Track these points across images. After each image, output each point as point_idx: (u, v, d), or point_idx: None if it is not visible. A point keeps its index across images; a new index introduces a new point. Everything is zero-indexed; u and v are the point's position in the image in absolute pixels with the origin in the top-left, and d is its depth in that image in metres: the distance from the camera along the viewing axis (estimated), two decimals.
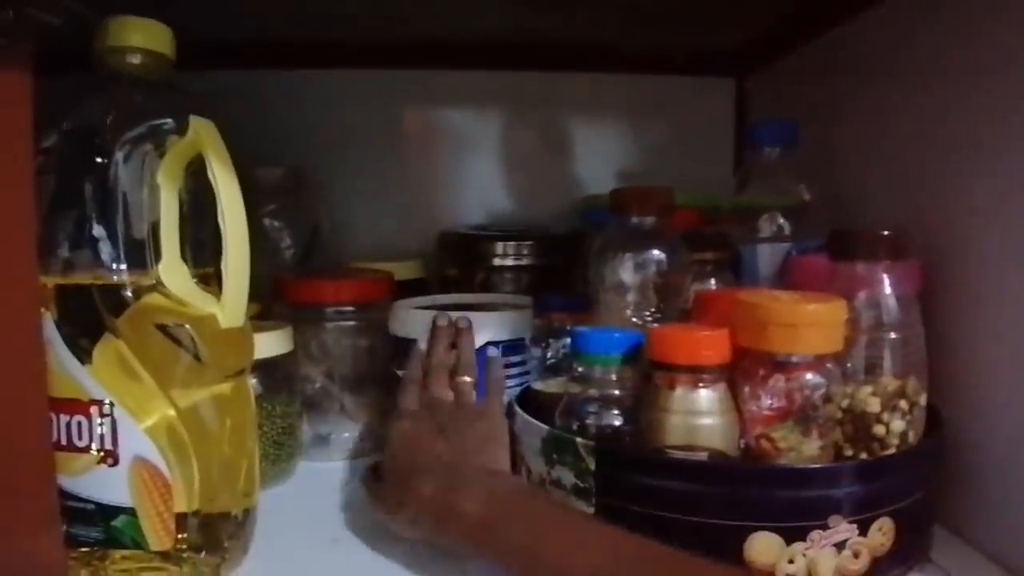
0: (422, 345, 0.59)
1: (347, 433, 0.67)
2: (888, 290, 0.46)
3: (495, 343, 0.61)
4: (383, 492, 0.49)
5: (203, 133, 0.43)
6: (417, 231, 0.89)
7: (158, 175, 0.44)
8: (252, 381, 0.50)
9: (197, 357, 0.43)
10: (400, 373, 0.61)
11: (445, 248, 0.83)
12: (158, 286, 0.43)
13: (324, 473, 0.64)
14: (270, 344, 0.59)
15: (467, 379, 0.56)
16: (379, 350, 0.68)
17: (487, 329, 0.61)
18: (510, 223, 0.91)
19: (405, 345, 0.64)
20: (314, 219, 0.84)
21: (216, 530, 0.45)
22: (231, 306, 0.43)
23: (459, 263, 0.81)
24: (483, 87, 0.92)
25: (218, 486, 0.44)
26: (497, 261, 0.78)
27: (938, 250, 0.52)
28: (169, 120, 0.44)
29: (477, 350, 0.61)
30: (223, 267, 0.43)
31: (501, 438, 0.51)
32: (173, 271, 0.44)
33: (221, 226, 0.42)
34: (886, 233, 0.47)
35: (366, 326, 0.67)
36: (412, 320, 0.64)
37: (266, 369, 0.59)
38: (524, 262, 0.78)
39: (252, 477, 0.47)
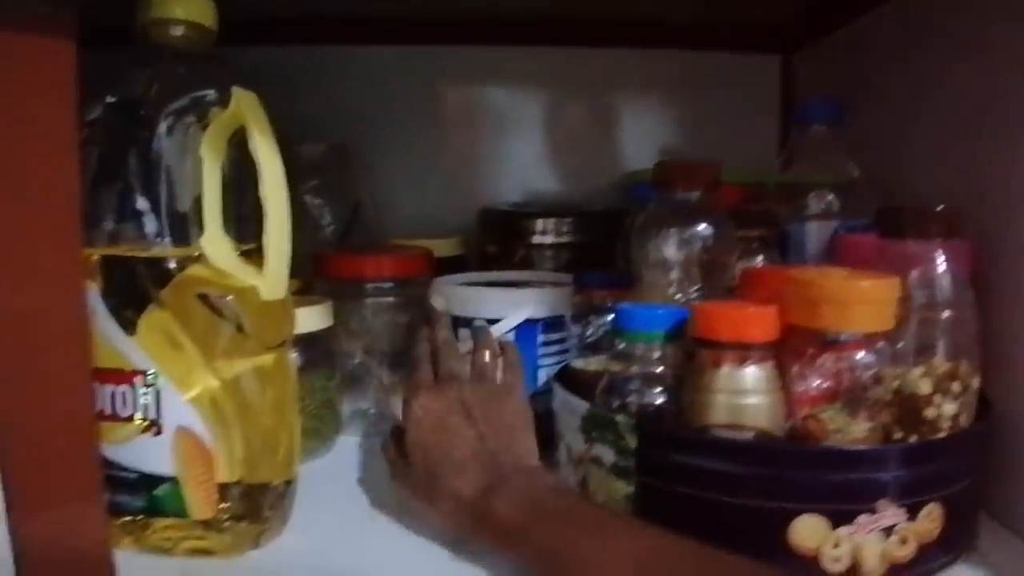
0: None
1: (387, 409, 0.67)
2: (941, 269, 0.45)
3: (534, 320, 0.61)
4: (414, 481, 0.48)
5: (245, 104, 0.43)
6: (457, 208, 0.89)
7: (201, 147, 0.44)
8: (292, 355, 0.51)
9: (239, 329, 0.43)
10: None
11: (485, 225, 0.83)
12: (201, 258, 0.44)
13: (363, 448, 0.64)
14: (310, 319, 0.59)
15: (488, 353, 0.54)
16: (419, 326, 0.67)
17: (527, 306, 0.61)
18: (550, 200, 0.90)
19: None
20: (355, 196, 0.84)
21: (257, 500, 0.45)
22: (272, 278, 0.43)
23: (499, 240, 0.80)
24: (524, 63, 0.91)
25: (260, 457, 0.45)
26: (537, 239, 0.77)
27: (991, 231, 0.50)
28: (212, 91, 0.44)
29: (518, 327, 0.61)
30: (264, 239, 0.43)
31: (528, 424, 0.49)
32: (216, 243, 0.44)
33: (262, 197, 0.42)
34: (939, 210, 0.45)
35: (405, 302, 0.67)
36: (452, 297, 0.64)
37: (306, 344, 0.59)
38: (564, 239, 0.77)
39: (293, 449, 0.47)
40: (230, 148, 0.45)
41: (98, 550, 0.38)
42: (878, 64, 0.68)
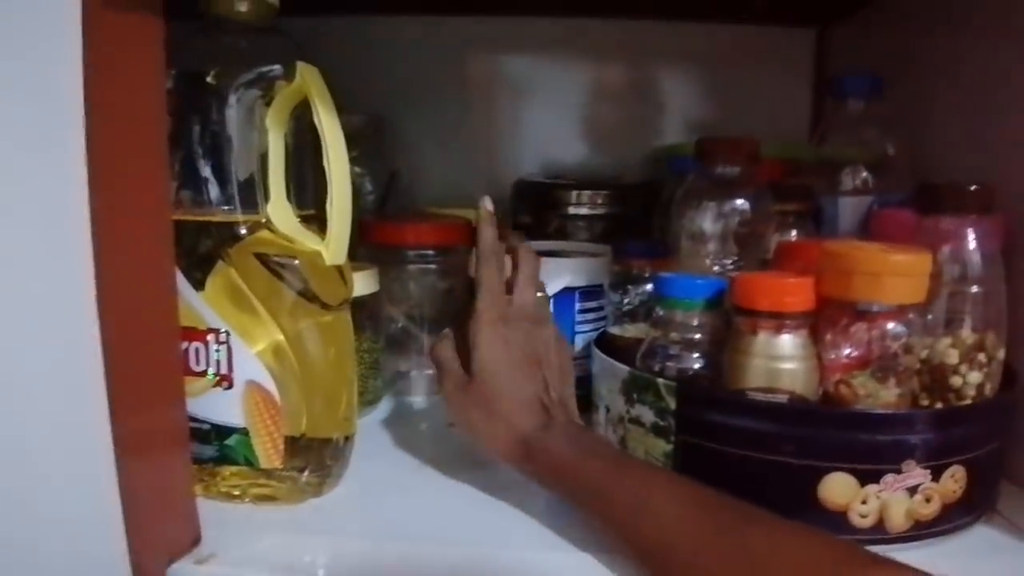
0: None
1: (428, 371, 0.69)
2: (972, 245, 0.46)
3: (572, 288, 0.63)
4: (470, 397, 0.49)
5: (309, 78, 0.45)
6: (492, 179, 0.90)
7: (266, 119, 0.46)
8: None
9: (302, 291, 0.46)
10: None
11: (520, 196, 0.84)
12: (267, 224, 0.46)
13: (406, 407, 0.67)
14: (359, 284, 0.61)
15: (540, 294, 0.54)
16: (458, 293, 0.70)
17: (565, 274, 0.63)
18: (584, 172, 0.92)
19: None
20: (392, 166, 0.86)
21: (320, 452, 0.48)
22: (335, 244, 0.46)
23: (533, 211, 0.82)
24: (560, 35, 0.92)
25: (322, 411, 0.47)
26: (571, 209, 0.79)
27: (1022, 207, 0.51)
28: (277, 66, 0.46)
29: (555, 295, 0.63)
30: (328, 207, 0.45)
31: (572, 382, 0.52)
32: (280, 211, 0.47)
33: (326, 167, 0.44)
34: (973, 188, 0.47)
35: (446, 269, 0.70)
36: None
37: (353, 308, 0.61)
38: (598, 211, 0.79)
39: (352, 405, 0.50)
40: (290, 119, 0.47)
41: (183, 492, 0.42)
42: (914, 38, 0.69)
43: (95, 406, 0.35)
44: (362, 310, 0.63)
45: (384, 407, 0.67)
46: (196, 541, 0.42)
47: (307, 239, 0.47)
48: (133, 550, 0.36)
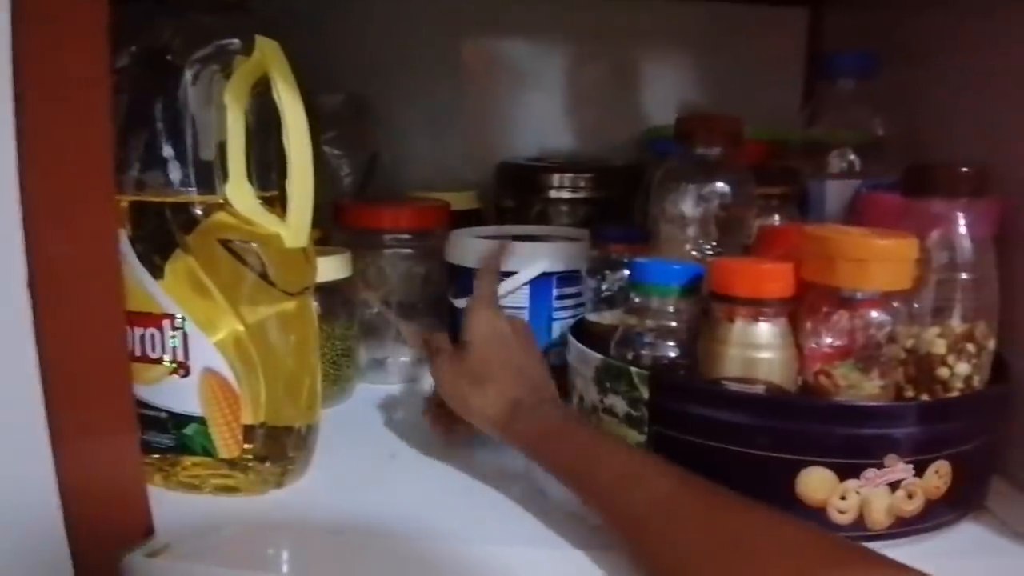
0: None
1: (403, 358, 0.68)
2: (963, 230, 0.44)
3: (549, 274, 0.62)
4: (462, 374, 0.50)
5: (268, 52, 0.43)
6: (474, 162, 0.88)
7: (225, 95, 0.44)
8: (314, 303, 0.52)
9: (262, 276, 0.44)
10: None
11: (502, 179, 0.82)
12: (226, 206, 0.44)
13: (381, 395, 0.65)
14: (330, 269, 0.60)
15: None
16: (435, 278, 0.68)
17: (542, 260, 0.61)
18: (568, 155, 0.90)
19: (461, 273, 0.65)
20: (373, 148, 0.84)
21: (281, 442, 0.47)
22: (295, 226, 0.44)
23: (516, 194, 0.80)
24: (545, 15, 0.90)
25: (283, 400, 0.46)
26: (553, 193, 0.77)
27: (1018, 192, 0.49)
28: (236, 40, 0.44)
29: (533, 280, 0.61)
30: (287, 187, 0.43)
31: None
32: (239, 191, 0.45)
33: (285, 145, 0.43)
34: (965, 169, 0.45)
35: (423, 254, 0.68)
36: (469, 249, 0.64)
37: (326, 293, 0.60)
38: (581, 194, 0.77)
39: (315, 393, 0.49)
40: (253, 97, 0.45)
41: (132, 482, 0.40)
42: (909, 16, 0.67)
43: (28, 392, 0.33)
44: (335, 295, 0.62)
45: (358, 395, 0.65)
46: (149, 532, 0.41)
47: (267, 221, 0.45)
48: (74, 541, 0.35)
